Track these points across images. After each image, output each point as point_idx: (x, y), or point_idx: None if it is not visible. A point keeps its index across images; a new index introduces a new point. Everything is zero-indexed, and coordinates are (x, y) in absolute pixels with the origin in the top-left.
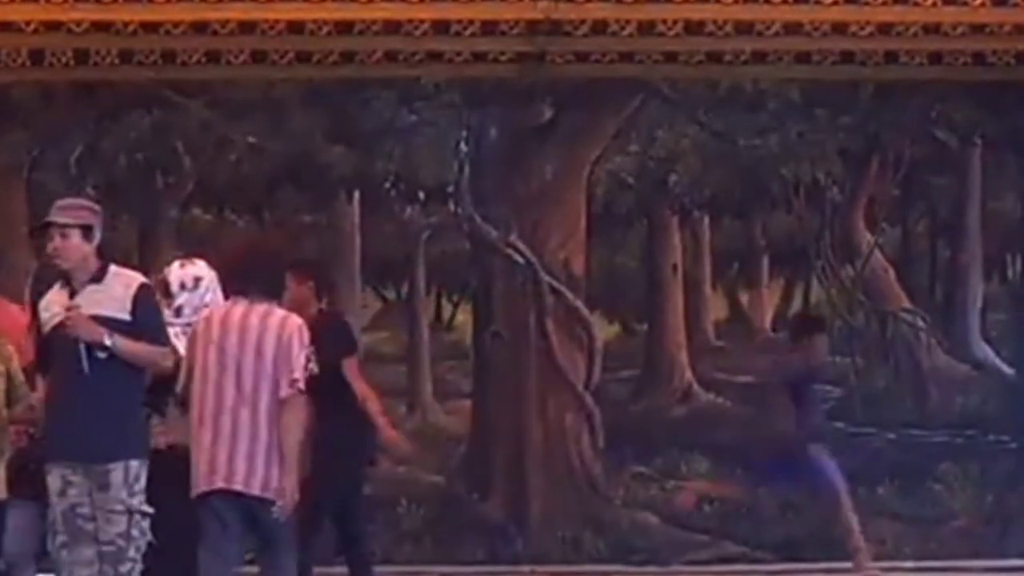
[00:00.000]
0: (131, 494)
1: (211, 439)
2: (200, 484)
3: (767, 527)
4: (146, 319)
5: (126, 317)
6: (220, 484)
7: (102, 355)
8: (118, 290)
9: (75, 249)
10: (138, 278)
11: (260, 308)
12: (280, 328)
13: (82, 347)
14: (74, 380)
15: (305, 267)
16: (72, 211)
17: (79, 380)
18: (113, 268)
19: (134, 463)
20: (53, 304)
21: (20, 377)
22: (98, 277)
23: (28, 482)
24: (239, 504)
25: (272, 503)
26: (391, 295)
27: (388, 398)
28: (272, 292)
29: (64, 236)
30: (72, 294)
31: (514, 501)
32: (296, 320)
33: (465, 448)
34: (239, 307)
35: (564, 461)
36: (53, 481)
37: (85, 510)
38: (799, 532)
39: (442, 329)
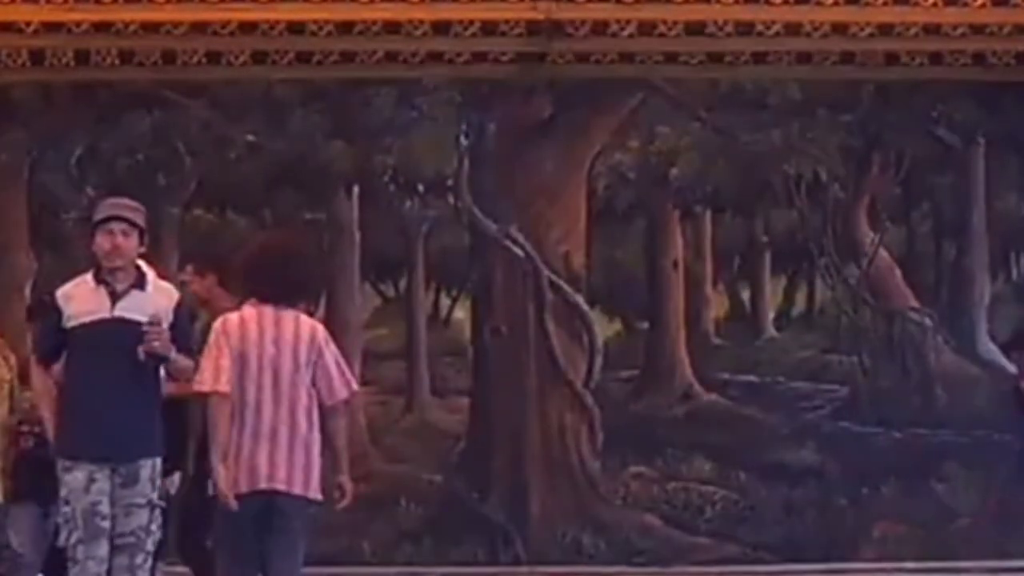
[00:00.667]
0: (153, 489)
1: (251, 441)
2: (241, 485)
3: (768, 528)
4: (185, 333)
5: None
6: (263, 485)
7: (142, 358)
8: (161, 300)
9: (132, 250)
10: (175, 291)
11: (289, 314)
12: (312, 335)
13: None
14: (113, 380)
15: (205, 260)
16: (136, 212)
17: (122, 383)
18: (150, 276)
19: (158, 460)
20: (85, 300)
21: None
22: (140, 284)
23: (35, 484)
24: (269, 503)
25: (304, 501)
26: (390, 291)
27: (387, 395)
28: (297, 298)
29: (126, 235)
30: (113, 296)
31: (514, 500)
32: (322, 328)
33: (464, 446)
34: (269, 312)
35: (564, 460)
36: (76, 478)
37: (103, 508)
38: (800, 533)
39: (440, 325)
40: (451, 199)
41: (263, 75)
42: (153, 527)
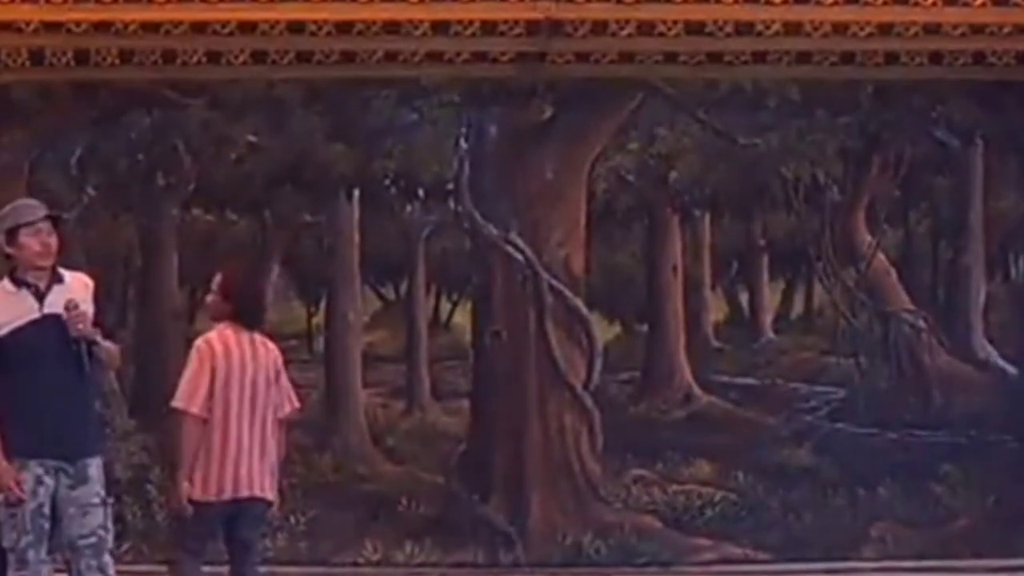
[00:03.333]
0: (102, 486)
1: (235, 452)
2: (225, 491)
3: (768, 529)
4: (99, 319)
5: None
6: (246, 492)
7: (74, 347)
8: (80, 290)
9: (55, 247)
10: (88, 278)
11: (256, 336)
12: (274, 355)
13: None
14: (59, 379)
15: None
16: (51, 211)
17: (65, 379)
18: (61, 268)
19: (103, 457)
20: (11, 306)
21: None
22: (59, 278)
23: None
24: (246, 507)
25: (268, 504)
26: (390, 294)
27: (387, 397)
28: (258, 320)
29: (50, 233)
30: (39, 295)
31: (514, 502)
32: (276, 349)
33: (464, 448)
34: (243, 335)
35: (564, 462)
36: (25, 481)
37: (47, 510)
38: (800, 534)
39: (441, 328)
40: (451, 203)
41: (263, 75)
42: (109, 524)
